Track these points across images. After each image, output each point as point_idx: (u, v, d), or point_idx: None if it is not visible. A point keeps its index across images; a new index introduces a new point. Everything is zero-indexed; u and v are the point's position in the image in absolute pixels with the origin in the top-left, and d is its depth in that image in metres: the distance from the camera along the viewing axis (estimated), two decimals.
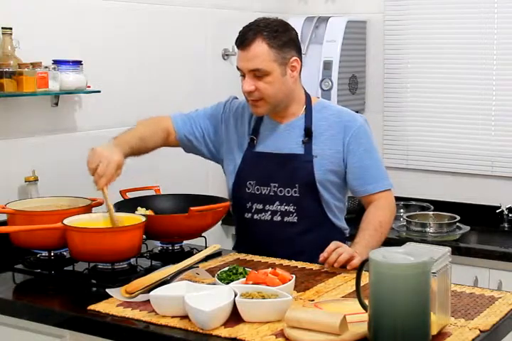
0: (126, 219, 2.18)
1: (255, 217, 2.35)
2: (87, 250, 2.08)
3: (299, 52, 2.29)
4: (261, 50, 2.20)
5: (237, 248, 2.46)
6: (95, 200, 2.35)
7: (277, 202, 2.32)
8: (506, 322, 1.79)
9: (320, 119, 2.34)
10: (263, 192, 2.33)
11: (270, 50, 2.21)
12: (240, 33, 2.26)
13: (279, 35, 2.22)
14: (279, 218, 2.32)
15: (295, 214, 2.31)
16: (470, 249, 3.15)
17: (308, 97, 2.38)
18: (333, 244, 2.15)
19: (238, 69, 2.27)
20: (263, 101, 2.26)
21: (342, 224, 2.41)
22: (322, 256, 2.14)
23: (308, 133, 2.32)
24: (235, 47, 2.29)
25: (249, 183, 2.35)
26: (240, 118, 2.42)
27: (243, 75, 2.26)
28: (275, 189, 2.32)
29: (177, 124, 2.44)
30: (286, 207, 2.31)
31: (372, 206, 2.34)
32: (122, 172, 2.19)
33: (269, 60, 2.21)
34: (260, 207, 2.34)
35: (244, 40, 2.23)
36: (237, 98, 2.49)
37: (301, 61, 2.31)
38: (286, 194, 2.31)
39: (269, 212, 2.33)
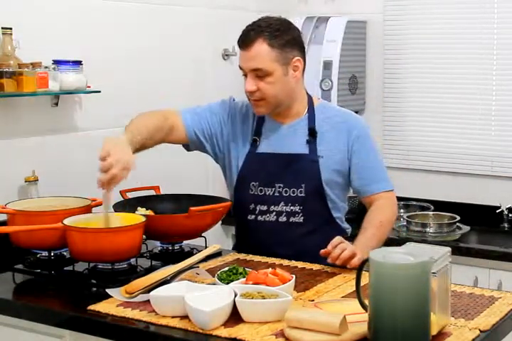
0: (126, 219, 2.19)
1: (259, 218, 2.34)
2: (87, 250, 2.08)
3: (302, 52, 2.29)
4: (262, 50, 2.20)
5: (237, 248, 2.46)
6: (95, 200, 2.35)
7: (282, 203, 2.31)
8: (506, 322, 1.79)
9: (323, 119, 2.34)
10: (267, 193, 2.32)
11: (271, 50, 2.20)
12: (242, 32, 2.26)
13: (280, 34, 2.21)
14: (284, 219, 2.31)
15: (301, 214, 2.30)
16: (470, 249, 3.15)
17: (309, 97, 2.38)
18: (337, 239, 2.13)
19: (240, 68, 2.27)
20: (265, 101, 2.26)
21: (344, 224, 2.42)
22: (325, 250, 2.11)
23: (312, 133, 2.32)
24: (236, 46, 2.29)
25: (253, 185, 2.34)
26: (246, 118, 2.40)
27: (245, 75, 2.26)
28: (280, 189, 2.31)
29: (186, 120, 2.38)
30: (292, 208, 2.30)
31: (374, 206, 2.35)
32: None
33: (271, 60, 2.20)
34: (264, 208, 2.33)
35: (245, 40, 2.23)
36: (234, 99, 2.47)
37: (305, 60, 2.30)
38: (292, 194, 2.30)
39: (274, 213, 2.32)
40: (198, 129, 2.40)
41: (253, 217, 2.35)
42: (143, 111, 2.34)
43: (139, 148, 2.22)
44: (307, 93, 2.39)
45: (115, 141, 2.09)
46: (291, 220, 2.31)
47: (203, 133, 2.41)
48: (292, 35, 2.26)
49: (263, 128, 2.37)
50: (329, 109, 2.41)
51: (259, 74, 2.22)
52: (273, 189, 2.32)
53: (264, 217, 2.33)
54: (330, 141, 2.32)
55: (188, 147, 2.47)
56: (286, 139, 2.34)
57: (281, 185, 2.31)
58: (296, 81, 2.29)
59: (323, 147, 2.31)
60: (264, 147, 2.36)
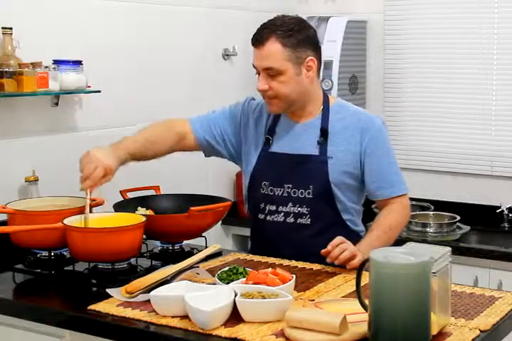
0: (126, 219, 2.18)
1: (268, 218, 2.32)
2: (87, 250, 2.08)
3: (316, 51, 2.26)
4: (274, 49, 2.18)
5: (253, 249, 2.43)
6: (95, 200, 2.35)
7: (290, 204, 2.29)
8: (506, 322, 1.79)
9: (337, 120, 2.30)
10: (276, 193, 2.30)
11: (284, 49, 2.18)
12: (256, 30, 2.24)
13: (293, 33, 2.19)
14: (292, 220, 2.29)
15: (308, 216, 2.27)
16: (470, 249, 3.15)
17: (325, 97, 2.35)
18: (337, 239, 2.11)
19: (254, 66, 2.25)
20: (277, 100, 2.24)
21: (357, 227, 2.36)
22: (325, 250, 2.10)
23: (324, 133, 2.28)
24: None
25: (264, 184, 2.32)
26: (259, 119, 2.38)
27: (258, 73, 2.25)
28: (289, 190, 2.29)
29: (195, 127, 2.39)
30: (299, 209, 2.28)
31: (386, 209, 2.32)
32: (123, 173, 2.18)
33: (283, 59, 2.19)
34: (273, 208, 2.31)
35: (258, 38, 2.21)
36: (254, 99, 2.45)
37: (320, 60, 2.28)
38: (300, 195, 2.28)
39: (282, 214, 2.30)
40: (209, 135, 2.40)
41: (263, 216, 2.34)
42: (142, 118, 2.36)
43: (134, 157, 2.26)
44: (324, 92, 2.36)
45: (98, 149, 2.15)
46: (298, 221, 2.29)
47: (215, 138, 2.41)
48: (306, 34, 2.24)
49: (277, 127, 2.35)
50: (345, 108, 2.35)
51: (271, 73, 2.20)
52: (282, 189, 2.30)
53: (272, 217, 2.32)
54: (342, 142, 2.28)
55: (205, 153, 2.48)
56: (298, 139, 2.32)
57: (290, 186, 2.29)
58: (310, 81, 2.26)
59: (334, 148, 2.27)
60: (276, 146, 2.34)
